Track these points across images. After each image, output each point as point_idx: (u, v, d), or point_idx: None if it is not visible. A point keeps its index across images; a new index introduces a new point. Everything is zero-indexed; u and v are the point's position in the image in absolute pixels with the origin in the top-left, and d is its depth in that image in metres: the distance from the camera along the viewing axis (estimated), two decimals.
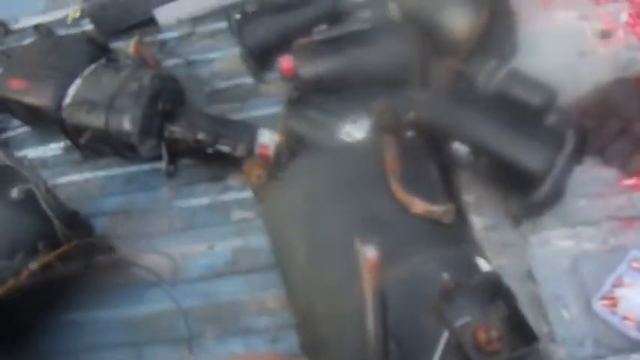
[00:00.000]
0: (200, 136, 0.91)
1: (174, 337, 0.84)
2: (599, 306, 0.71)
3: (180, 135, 0.94)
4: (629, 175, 0.83)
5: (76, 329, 0.87)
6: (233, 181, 0.96)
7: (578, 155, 0.79)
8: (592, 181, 0.84)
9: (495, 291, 0.55)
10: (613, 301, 0.71)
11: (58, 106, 0.95)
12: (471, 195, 0.85)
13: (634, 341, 0.69)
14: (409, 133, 0.79)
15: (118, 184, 1.03)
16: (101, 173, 1.04)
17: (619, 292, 0.72)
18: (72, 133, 0.97)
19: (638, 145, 0.82)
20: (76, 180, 1.05)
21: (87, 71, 0.96)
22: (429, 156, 0.77)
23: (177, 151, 0.96)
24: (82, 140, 0.95)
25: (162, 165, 0.97)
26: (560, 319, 0.72)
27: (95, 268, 0.89)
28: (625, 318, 0.70)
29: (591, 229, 0.79)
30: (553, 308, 0.73)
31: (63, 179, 1.05)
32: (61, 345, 0.83)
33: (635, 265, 0.74)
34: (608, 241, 0.77)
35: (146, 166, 1.02)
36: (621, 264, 0.74)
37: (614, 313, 0.70)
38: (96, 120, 0.93)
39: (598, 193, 0.83)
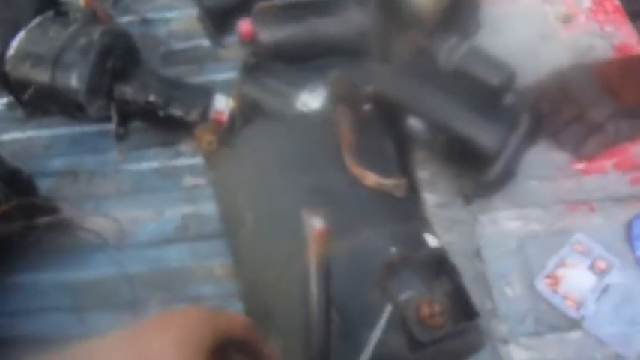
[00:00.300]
0: (152, 97, 0.87)
1: (119, 302, 0.82)
2: (542, 285, 0.72)
3: (131, 96, 0.89)
4: (581, 160, 0.84)
5: (18, 291, 0.83)
6: (185, 146, 0.93)
7: (531, 137, 0.79)
8: (544, 164, 0.85)
9: (440, 267, 0.55)
10: (555, 281, 0.73)
11: (1, 58, 0.90)
12: (425, 172, 0.85)
13: (572, 320, 0.71)
14: (366, 106, 0.78)
15: (65, 144, 0.98)
16: (46, 132, 0.99)
17: (561, 273, 0.73)
18: (15, 87, 0.92)
19: (591, 131, 0.84)
20: (19, 138, 1.00)
21: (33, 23, 0.90)
22: (385, 130, 0.76)
23: (127, 113, 0.92)
24: (26, 96, 0.90)
25: (111, 126, 0.92)
26: (504, 296, 0.74)
27: (38, 230, 0.85)
28: (565, 297, 0.72)
29: (539, 211, 0.80)
30: (497, 286, 0.75)
31: (6, 136, 1.00)
32: (1, 307, 0.80)
33: (577, 247, 0.75)
34: (554, 224, 0.79)
35: (94, 127, 0.97)
36: (565, 246, 0.75)
37: (555, 292, 0.72)
38: (41, 75, 0.88)
39: (549, 176, 0.84)
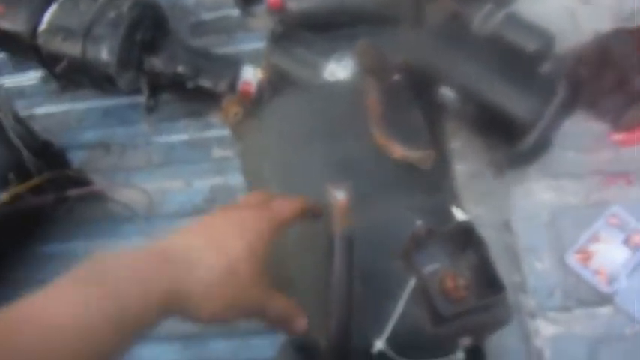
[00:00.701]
0: (180, 69, 0.88)
1: None
2: (573, 259, 0.71)
3: (160, 68, 0.90)
4: (620, 131, 0.81)
5: (49, 260, 0.87)
6: (214, 118, 0.94)
7: (569, 106, 0.76)
8: (581, 134, 0.82)
9: (467, 240, 0.54)
10: (586, 255, 0.71)
11: (34, 33, 0.91)
12: (456, 142, 0.83)
13: (602, 295, 0.69)
14: (395, 76, 0.76)
15: (96, 116, 1.00)
16: (79, 105, 1.01)
17: (593, 247, 0.71)
18: (48, 61, 0.93)
19: (632, 100, 0.80)
20: (54, 111, 1.02)
21: None
22: (414, 101, 0.74)
23: (157, 85, 0.93)
24: (58, 69, 0.91)
25: (141, 99, 0.93)
26: (533, 269, 0.72)
27: (70, 201, 0.87)
28: (596, 272, 0.70)
29: (575, 183, 0.78)
30: (527, 259, 0.73)
31: (41, 109, 1.02)
32: (34, 275, 0.83)
33: (612, 220, 0.73)
34: (589, 196, 0.76)
35: (125, 100, 0.98)
36: (599, 219, 0.73)
37: (586, 266, 0.70)
38: (72, 48, 0.89)
39: (586, 147, 0.81)
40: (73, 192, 0.84)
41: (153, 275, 0.38)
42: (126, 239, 0.85)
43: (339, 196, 0.46)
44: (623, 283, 0.69)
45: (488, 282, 0.52)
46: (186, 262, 0.40)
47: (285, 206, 0.48)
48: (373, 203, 0.58)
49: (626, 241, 0.71)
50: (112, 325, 0.35)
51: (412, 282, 0.52)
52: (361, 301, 0.52)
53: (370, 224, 0.56)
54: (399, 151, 0.61)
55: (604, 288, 0.69)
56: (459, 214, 0.60)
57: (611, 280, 0.69)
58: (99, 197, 0.87)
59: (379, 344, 0.51)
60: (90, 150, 0.96)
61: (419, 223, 0.57)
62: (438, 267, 0.53)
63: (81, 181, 0.88)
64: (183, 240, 0.42)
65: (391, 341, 0.51)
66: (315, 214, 0.51)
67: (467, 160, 0.83)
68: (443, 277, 0.52)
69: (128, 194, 0.88)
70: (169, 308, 0.38)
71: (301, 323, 0.46)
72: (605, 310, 0.68)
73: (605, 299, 0.69)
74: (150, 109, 0.94)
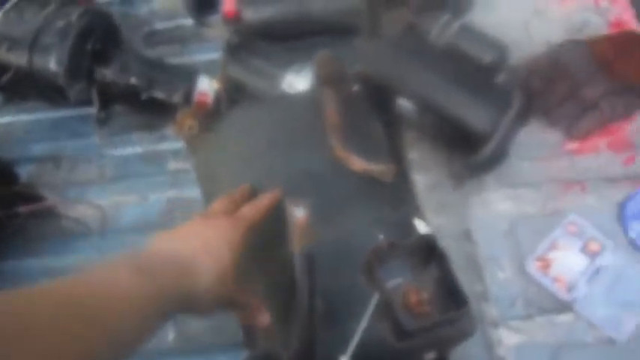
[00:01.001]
0: (133, 80, 0.85)
1: None
2: (533, 267, 0.71)
3: (111, 78, 0.86)
4: (574, 139, 0.82)
5: (2, 279, 0.82)
6: (169, 130, 0.91)
7: (524, 116, 0.77)
8: (536, 144, 0.83)
9: (430, 253, 0.54)
10: (546, 263, 0.72)
11: None
12: (415, 153, 0.83)
13: (562, 302, 0.70)
14: (354, 87, 0.75)
15: (45, 129, 0.95)
16: (26, 117, 0.96)
17: (553, 255, 0.72)
18: None
19: (584, 109, 0.82)
20: None
21: (7, 5, 0.87)
22: (373, 112, 0.73)
23: (109, 96, 0.89)
24: (4, 80, 0.87)
25: (92, 110, 0.90)
26: (495, 279, 0.73)
27: (20, 218, 0.83)
28: (556, 280, 0.70)
29: (531, 192, 0.79)
30: (488, 269, 0.73)
31: None
32: None
33: (571, 228, 0.74)
34: (547, 205, 0.77)
35: (75, 111, 0.94)
36: (558, 227, 0.74)
37: (546, 274, 0.71)
38: (18, 59, 0.85)
39: (541, 156, 0.82)
40: (23, 208, 0.79)
41: (177, 281, 0.45)
42: (79, 255, 0.81)
43: (298, 213, 0.45)
44: (583, 291, 0.70)
45: (452, 295, 0.52)
46: (191, 271, 0.46)
47: (254, 210, 0.54)
48: (334, 217, 0.57)
49: (584, 249, 0.73)
50: (153, 314, 0.41)
51: (375, 297, 0.51)
52: (324, 317, 0.51)
53: (331, 239, 0.55)
54: (359, 163, 0.61)
55: (564, 296, 0.70)
56: (421, 227, 0.60)
57: (571, 287, 0.70)
58: (50, 213, 0.83)
59: None
60: (39, 164, 0.92)
61: (381, 237, 0.56)
62: (400, 281, 0.52)
63: (31, 196, 0.83)
64: (179, 247, 0.48)
65: (355, 357, 0.50)
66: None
67: (426, 170, 0.83)
68: (406, 292, 0.51)
69: (80, 209, 0.84)
70: (176, 310, 0.45)
71: (265, 318, 0.52)
72: (566, 318, 0.69)
73: (565, 307, 0.70)
74: (101, 122, 0.90)
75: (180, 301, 0.44)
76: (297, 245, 0.45)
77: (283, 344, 0.52)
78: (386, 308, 0.51)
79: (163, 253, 0.47)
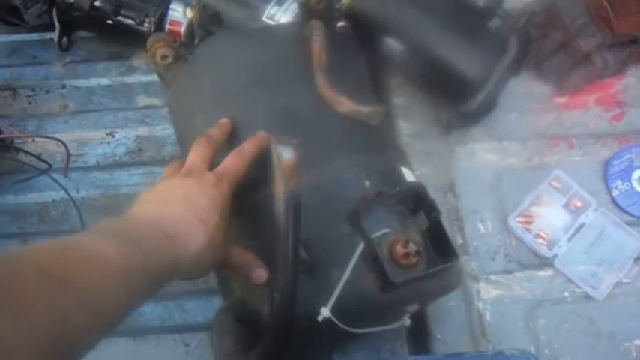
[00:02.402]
0: (98, 2, 0.77)
1: (66, 229, 0.76)
2: (515, 222, 0.70)
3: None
4: (563, 93, 0.80)
5: None
6: (139, 61, 0.84)
7: (516, 66, 0.74)
8: (524, 96, 0.80)
9: (418, 203, 0.51)
10: (529, 218, 0.70)
11: None
12: (400, 98, 0.80)
13: (542, 258, 0.69)
14: (341, 23, 0.70)
15: (1, 55, 0.87)
16: None
17: (535, 211, 0.71)
18: None
19: (576, 62, 0.79)
20: None
21: None
22: (359, 50, 0.68)
23: (71, 20, 0.82)
24: None
25: (53, 35, 0.82)
26: (476, 232, 0.71)
27: None
28: (537, 236, 0.69)
29: (518, 145, 0.77)
30: (470, 222, 0.72)
31: None
32: None
33: (555, 184, 0.72)
34: (532, 159, 0.76)
35: (34, 36, 0.87)
36: (542, 182, 0.72)
37: (528, 230, 0.69)
38: None
39: (529, 109, 0.80)
40: None
41: (163, 248, 0.42)
42: (41, 194, 0.76)
43: (286, 154, 0.41)
44: (564, 247, 0.69)
45: (440, 247, 0.49)
46: (178, 237, 0.43)
47: (238, 161, 0.50)
48: (317, 161, 0.53)
49: (567, 206, 0.71)
50: (138, 285, 0.39)
51: (360, 247, 0.48)
52: (307, 267, 0.48)
53: (314, 184, 0.51)
54: (346, 105, 0.56)
55: (545, 252, 0.69)
56: (408, 175, 0.56)
57: (552, 243, 0.69)
58: (7, 147, 0.77)
59: (325, 312, 0.47)
60: None
61: (367, 184, 0.53)
62: (387, 231, 0.49)
63: None
64: (163, 211, 0.45)
65: (337, 308, 0.48)
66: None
67: (410, 117, 0.80)
68: (393, 243, 0.48)
69: (40, 144, 0.78)
70: (165, 278, 0.43)
71: (261, 274, 0.49)
72: (545, 273, 0.69)
73: (545, 262, 0.69)
74: (63, 48, 0.83)
75: (169, 270, 0.42)
76: (281, 190, 0.41)
77: (261, 294, 0.49)
78: (372, 259, 0.48)
79: (148, 218, 0.44)
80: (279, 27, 0.67)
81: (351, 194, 0.50)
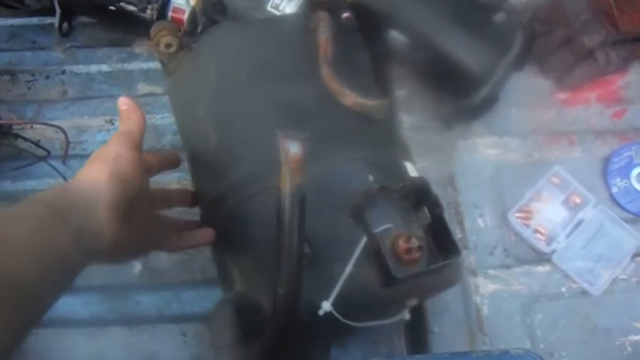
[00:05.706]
0: None
1: None
2: (514, 217, 0.70)
3: None
4: (565, 89, 0.80)
5: None
6: (140, 48, 0.84)
7: (520, 61, 0.74)
8: (526, 91, 0.80)
9: (421, 198, 0.51)
10: (528, 214, 0.71)
11: None
12: (402, 91, 0.79)
13: (540, 253, 0.69)
14: (345, 14, 0.70)
15: (0, 39, 0.86)
16: None
17: (535, 206, 0.71)
18: None
19: (579, 58, 0.79)
20: None
21: None
22: (363, 42, 0.68)
23: (72, 5, 0.81)
24: None
25: (53, 20, 0.81)
26: (475, 226, 0.71)
27: None
28: (536, 231, 0.70)
29: (518, 140, 0.77)
30: (469, 216, 0.72)
31: None
32: None
33: (555, 180, 0.73)
34: (532, 154, 0.76)
35: (35, 20, 0.86)
36: (542, 178, 0.73)
37: (527, 225, 0.70)
38: None
39: (530, 104, 0.80)
40: None
41: (54, 241, 0.39)
42: (39, 181, 0.75)
43: (293, 148, 0.40)
44: (562, 243, 0.70)
45: (442, 243, 0.50)
46: (83, 208, 0.41)
47: (132, 121, 0.52)
48: (321, 155, 0.53)
49: (566, 202, 0.72)
50: (62, 265, 0.38)
51: (363, 242, 0.48)
52: (307, 260, 0.48)
53: (318, 177, 0.51)
54: (351, 97, 0.56)
55: (543, 247, 0.69)
56: (411, 170, 0.57)
57: (550, 239, 0.70)
58: (5, 133, 0.76)
59: (326, 306, 0.47)
60: None
61: (371, 178, 0.53)
62: (390, 226, 0.49)
63: None
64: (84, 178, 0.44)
65: (338, 303, 0.48)
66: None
67: (412, 110, 0.79)
68: (396, 238, 0.48)
69: (39, 130, 0.77)
70: (88, 255, 0.41)
71: (208, 233, 0.52)
72: (542, 269, 0.69)
73: (543, 258, 0.69)
74: (63, 33, 0.82)
75: (87, 249, 0.40)
76: (286, 185, 0.41)
77: (262, 288, 0.49)
78: (374, 254, 0.48)
79: (51, 209, 0.41)
80: (284, 18, 0.66)
81: (354, 188, 0.50)
